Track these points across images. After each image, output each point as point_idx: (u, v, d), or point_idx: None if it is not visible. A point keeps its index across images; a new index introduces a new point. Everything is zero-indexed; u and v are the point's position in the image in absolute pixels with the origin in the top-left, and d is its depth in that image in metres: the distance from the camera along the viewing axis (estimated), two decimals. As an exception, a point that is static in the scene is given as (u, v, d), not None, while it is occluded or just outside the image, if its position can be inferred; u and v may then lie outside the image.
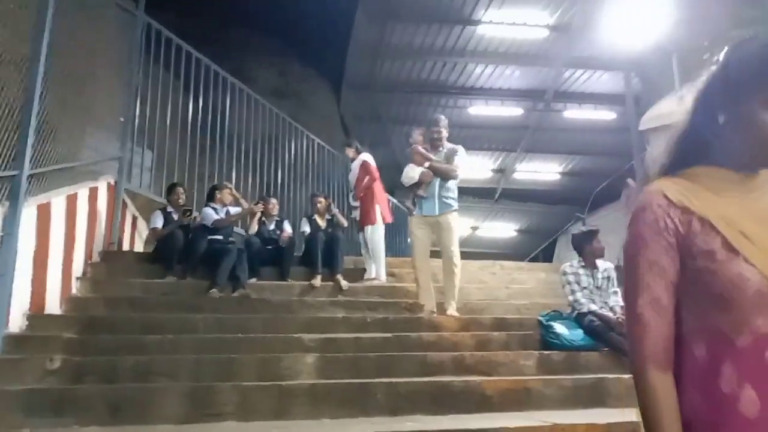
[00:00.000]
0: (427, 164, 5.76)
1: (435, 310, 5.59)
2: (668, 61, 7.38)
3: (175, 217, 6.41)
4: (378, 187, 7.03)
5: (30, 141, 4.38)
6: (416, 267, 5.80)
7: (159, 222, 6.35)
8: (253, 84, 9.66)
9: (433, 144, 5.93)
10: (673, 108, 7.09)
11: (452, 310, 5.53)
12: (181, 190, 6.67)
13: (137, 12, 7.07)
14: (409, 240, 6.31)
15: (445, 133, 5.97)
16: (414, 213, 5.84)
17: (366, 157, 7.20)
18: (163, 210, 6.49)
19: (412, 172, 5.79)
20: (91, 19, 6.03)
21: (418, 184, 5.74)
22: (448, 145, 5.94)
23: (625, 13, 7.31)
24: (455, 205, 5.81)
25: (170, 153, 7.62)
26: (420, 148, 5.91)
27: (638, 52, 8.50)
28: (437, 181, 5.73)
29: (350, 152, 7.36)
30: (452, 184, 5.82)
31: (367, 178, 6.99)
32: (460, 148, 5.93)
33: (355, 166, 7.21)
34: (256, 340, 4.57)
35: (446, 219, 5.72)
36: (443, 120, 6.01)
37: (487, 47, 11.71)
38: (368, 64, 12.24)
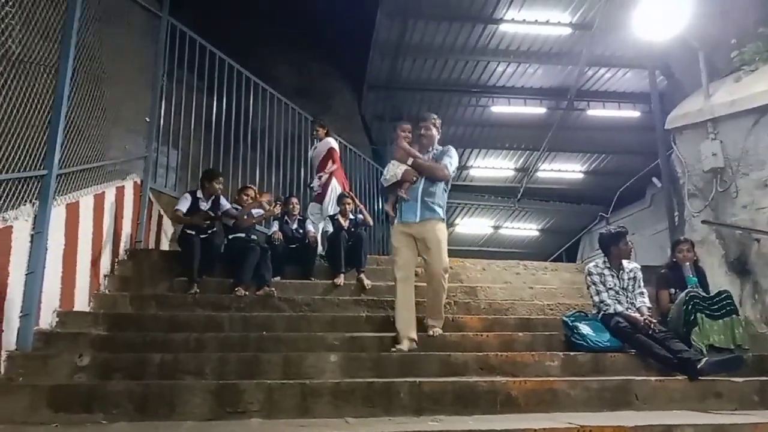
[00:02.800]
0: (410, 161, 4.99)
1: (416, 339, 4.70)
2: (694, 59, 7.25)
3: (203, 206, 6.15)
4: (339, 174, 7.67)
5: (59, 141, 4.47)
6: (397, 287, 4.91)
7: (185, 205, 6.11)
8: (276, 84, 9.71)
9: (421, 143, 5.13)
10: (700, 106, 6.99)
11: (437, 330, 4.87)
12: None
13: (161, 13, 7.15)
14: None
15: (434, 133, 5.15)
16: (394, 221, 5.10)
17: (333, 142, 7.76)
18: (193, 194, 6.24)
19: (393, 170, 5.03)
20: (116, 21, 6.11)
21: (399, 184, 4.99)
22: (439, 148, 5.16)
23: (649, 10, 7.20)
24: (441, 213, 4.96)
25: (195, 152, 7.70)
26: (403, 142, 5.13)
27: (663, 49, 8.37)
28: (421, 183, 4.95)
29: (322, 132, 7.80)
30: (439, 190, 4.98)
31: (330, 162, 7.61)
32: (451, 149, 5.13)
33: (322, 147, 7.71)
34: (280, 339, 4.61)
35: (430, 229, 4.86)
36: (433, 117, 5.23)
37: (509, 46, 11.63)
38: (389, 64, 12.22)
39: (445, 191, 5.08)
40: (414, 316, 4.82)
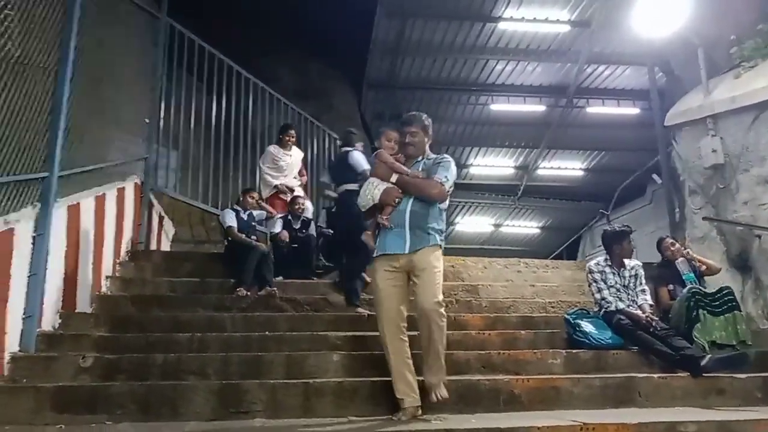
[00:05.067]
0: (395, 178, 3.90)
1: (420, 404, 3.67)
2: (693, 55, 7.25)
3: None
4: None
5: (59, 144, 4.48)
6: (384, 343, 3.78)
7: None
8: (276, 84, 9.72)
9: (407, 153, 4.03)
10: (700, 102, 6.99)
11: (441, 392, 3.68)
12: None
13: (160, 14, 7.15)
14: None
15: (422, 138, 4.02)
16: (375, 253, 3.98)
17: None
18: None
19: (370, 191, 3.93)
20: (115, 23, 6.11)
21: (378, 208, 3.92)
22: (431, 155, 4.08)
23: (648, 6, 7.20)
24: (437, 239, 3.84)
25: (195, 153, 7.71)
26: (386, 155, 4.02)
27: (662, 46, 8.37)
28: (409, 204, 3.83)
29: (293, 138, 7.64)
30: (434, 211, 3.87)
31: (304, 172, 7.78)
32: (446, 159, 3.97)
33: (297, 156, 7.70)
34: (283, 338, 4.61)
35: (422, 259, 3.75)
36: (420, 118, 4.06)
37: (508, 44, 11.62)
38: (389, 63, 12.22)
39: (442, 211, 3.98)
40: (413, 378, 3.74)
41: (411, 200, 3.85)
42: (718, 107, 6.72)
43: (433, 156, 4.06)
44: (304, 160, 8.07)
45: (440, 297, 3.75)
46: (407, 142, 4.00)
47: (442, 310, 3.72)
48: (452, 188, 3.97)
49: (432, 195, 3.83)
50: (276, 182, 7.32)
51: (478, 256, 7.82)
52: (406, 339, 3.80)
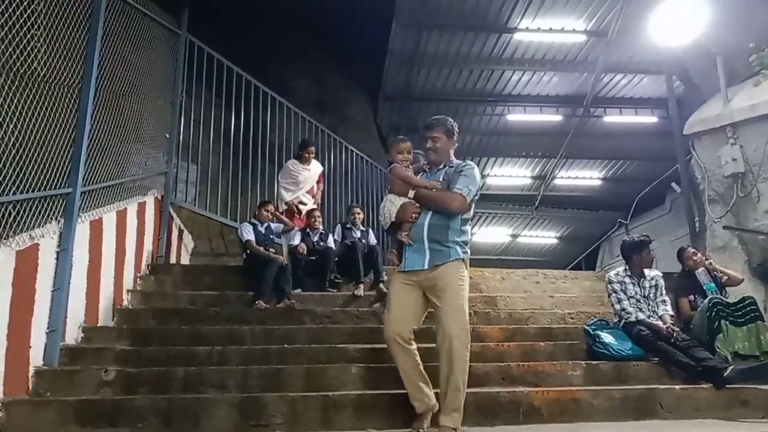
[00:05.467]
0: (412, 193, 3.72)
1: (435, 403, 3.60)
2: (712, 63, 7.22)
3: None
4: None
5: (83, 159, 4.55)
6: (394, 354, 3.65)
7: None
8: (294, 96, 9.81)
9: (429, 158, 3.88)
10: (719, 111, 6.94)
11: (449, 422, 3.40)
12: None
13: (180, 30, 7.26)
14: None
15: (444, 144, 3.81)
16: (397, 269, 3.83)
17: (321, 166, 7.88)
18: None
19: (388, 208, 3.77)
20: (137, 39, 6.21)
21: (397, 225, 3.75)
22: (455, 162, 3.84)
23: (666, 15, 7.18)
24: (459, 252, 3.64)
25: (213, 167, 7.80)
26: (401, 169, 3.81)
27: (680, 54, 8.34)
28: (428, 217, 3.65)
29: (312, 153, 7.68)
30: (454, 223, 3.66)
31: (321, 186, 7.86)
32: (469, 166, 3.75)
33: (316, 170, 7.69)
34: (302, 351, 4.63)
35: (443, 277, 3.55)
36: (444, 122, 3.85)
37: (524, 54, 11.63)
38: (404, 74, 12.28)
39: (466, 222, 3.75)
40: (424, 379, 3.64)
41: (429, 213, 3.65)
42: (738, 115, 6.67)
43: (456, 163, 3.82)
44: (323, 173, 8.08)
45: (465, 321, 3.48)
46: (428, 147, 3.81)
47: (467, 338, 3.46)
48: (477, 197, 3.77)
49: (452, 208, 3.61)
50: (288, 198, 7.39)
51: (496, 267, 7.79)
52: (413, 346, 3.65)
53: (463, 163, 3.81)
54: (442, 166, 3.82)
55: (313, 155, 7.65)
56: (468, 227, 3.78)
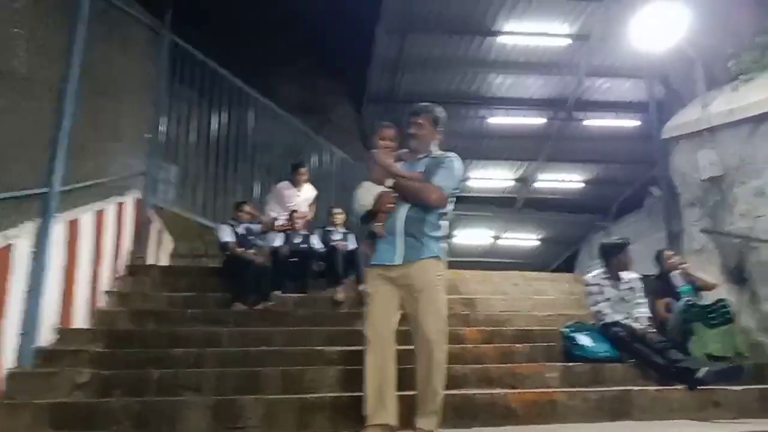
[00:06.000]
0: (390, 181, 3.58)
1: (393, 425, 3.39)
2: (692, 69, 7.30)
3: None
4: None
5: (60, 159, 4.50)
6: (366, 355, 3.47)
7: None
8: (277, 98, 9.78)
9: (409, 145, 3.71)
10: (698, 115, 7.02)
11: (426, 424, 3.36)
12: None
13: (163, 30, 7.21)
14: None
15: (428, 132, 3.66)
16: (369, 262, 3.63)
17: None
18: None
19: (363, 196, 3.62)
20: (118, 38, 6.17)
21: (371, 215, 3.60)
22: (437, 153, 3.69)
23: (647, 20, 7.25)
24: (435, 249, 3.50)
25: (195, 167, 7.75)
26: (382, 156, 3.66)
27: (661, 59, 8.41)
28: (404, 209, 3.50)
29: (305, 176, 7.43)
30: (431, 216, 3.51)
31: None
32: (450, 158, 3.62)
33: (309, 194, 7.44)
34: (279, 353, 4.61)
35: (419, 272, 3.43)
36: (430, 110, 3.74)
37: (507, 57, 11.68)
38: (389, 77, 12.29)
39: (442, 216, 3.59)
40: (392, 392, 3.44)
41: (407, 205, 3.50)
42: (716, 120, 6.74)
43: (438, 153, 3.66)
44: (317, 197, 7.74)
45: (443, 324, 3.38)
46: (410, 132, 3.65)
47: (446, 340, 3.36)
48: (458, 191, 3.64)
49: (430, 201, 3.46)
50: (273, 215, 7.17)
51: (477, 269, 7.81)
52: (393, 352, 3.46)
53: (444, 154, 3.66)
54: (422, 155, 3.66)
55: (305, 178, 7.40)
56: (445, 222, 3.63)
